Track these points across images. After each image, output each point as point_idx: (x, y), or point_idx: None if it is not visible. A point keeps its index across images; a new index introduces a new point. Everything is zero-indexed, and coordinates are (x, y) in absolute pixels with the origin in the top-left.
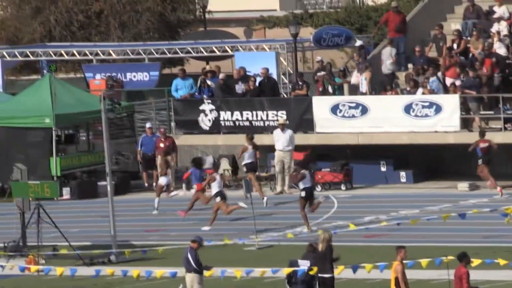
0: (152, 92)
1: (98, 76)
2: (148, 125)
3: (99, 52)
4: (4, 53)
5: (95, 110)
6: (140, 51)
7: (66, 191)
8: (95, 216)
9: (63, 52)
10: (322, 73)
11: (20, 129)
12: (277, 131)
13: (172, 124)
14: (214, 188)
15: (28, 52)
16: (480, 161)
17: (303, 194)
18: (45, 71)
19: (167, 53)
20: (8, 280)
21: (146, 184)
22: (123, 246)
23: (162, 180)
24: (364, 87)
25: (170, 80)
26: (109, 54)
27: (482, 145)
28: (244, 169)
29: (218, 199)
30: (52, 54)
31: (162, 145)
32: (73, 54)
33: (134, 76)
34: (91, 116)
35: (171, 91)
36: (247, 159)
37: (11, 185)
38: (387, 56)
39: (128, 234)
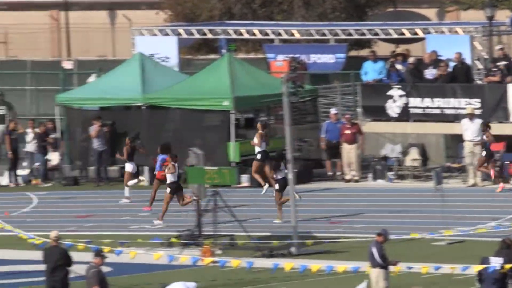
0: (338, 76)
1: (280, 57)
2: (333, 110)
3: (282, 32)
4: (181, 31)
5: (277, 93)
6: (325, 31)
7: (244, 178)
8: (274, 205)
9: (243, 31)
10: (503, 63)
11: (197, 111)
12: (465, 121)
13: (358, 110)
14: (169, 178)
15: (206, 30)
16: None
17: (277, 186)
18: (224, 51)
19: (354, 34)
20: (180, 271)
21: (329, 173)
22: (304, 238)
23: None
24: None
25: (356, 63)
26: (292, 34)
27: None
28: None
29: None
30: (231, 32)
31: (347, 132)
32: (254, 34)
33: (319, 58)
34: (272, 99)
35: (360, 74)
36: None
37: (187, 171)
38: None
39: (310, 225)
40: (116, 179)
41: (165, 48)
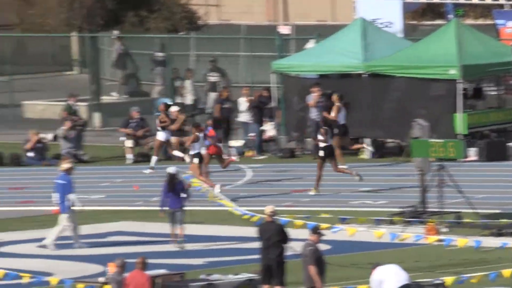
0: None
1: (510, 24)
2: None
3: None
4: None
5: (506, 61)
6: None
7: (472, 152)
8: (504, 181)
9: None
10: None
11: (421, 80)
12: None
13: None
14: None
15: None
16: None
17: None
18: (450, 16)
19: None
20: (402, 249)
21: None
22: None
23: None
24: None
25: None
26: None
27: None
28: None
29: (195, 160)
30: None
31: None
32: None
33: None
34: (501, 68)
35: None
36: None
37: (410, 143)
38: None
39: None
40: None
41: (388, 12)
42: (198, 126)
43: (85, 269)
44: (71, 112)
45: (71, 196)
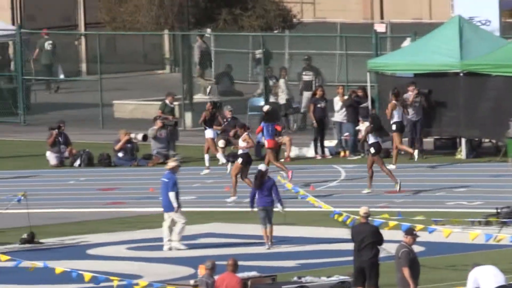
0: None
1: None
2: None
3: None
4: None
5: None
6: None
7: None
8: None
9: None
10: None
11: None
12: None
13: None
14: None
15: None
16: None
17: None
18: None
19: None
20: (497, 251)
21: None
22: None
23: None
24: None
25: None
26: None
27: None
28: None
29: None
30: None
31: None
32: None
33: None
34: None
35: None
36: None
37: (507, 143)
38: None
39: None
40: (429, 152)
41: (485, 10)
42: (244, 126)
43: (175, 271)
44: (166, 111)
45: (170, 195)
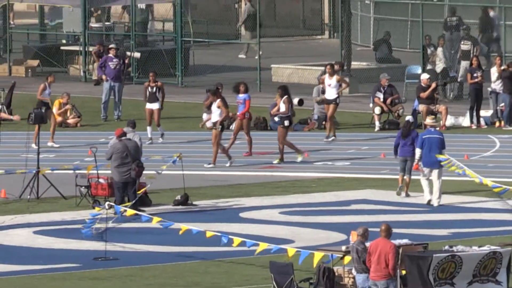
0: None
1: None
2: None
3: None
4: None
5: None
6: None
7: None
8: None
9: None
10: None
11: None
12: None
13: None
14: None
15: None
16: None
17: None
18: None
19: None
20: None
21: None
22: None
23: None
24: None
25: None
26: None
27: None
28: None
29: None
30: None
31: None
32: None
33: None
34: None
35: None
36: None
37: None
38: None
39: None
40: None
41: None
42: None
43: (327, 237)
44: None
45: (417, 151)
